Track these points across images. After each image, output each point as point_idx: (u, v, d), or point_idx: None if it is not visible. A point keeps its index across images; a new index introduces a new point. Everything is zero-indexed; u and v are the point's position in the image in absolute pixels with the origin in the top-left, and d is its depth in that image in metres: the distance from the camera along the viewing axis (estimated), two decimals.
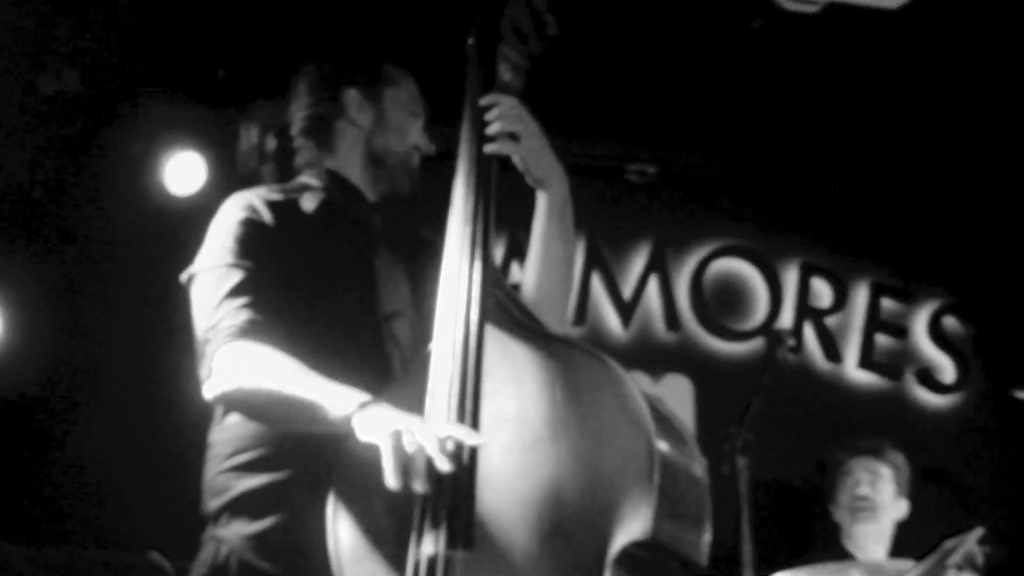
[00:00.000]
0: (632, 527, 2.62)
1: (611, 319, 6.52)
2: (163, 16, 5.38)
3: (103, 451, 5.46)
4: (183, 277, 3.21)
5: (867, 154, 6.53)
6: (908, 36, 5.54)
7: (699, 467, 2.82)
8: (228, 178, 3.50)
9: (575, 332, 6.24)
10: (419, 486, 2.68)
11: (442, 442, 2.69)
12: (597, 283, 6.50)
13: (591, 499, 2.67)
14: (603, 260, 6.52)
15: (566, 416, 2.74)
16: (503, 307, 2.92)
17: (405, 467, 2.69)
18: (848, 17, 5.26)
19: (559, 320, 3.13)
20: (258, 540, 3.07)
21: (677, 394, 6.45)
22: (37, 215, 5.64)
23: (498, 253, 5.91)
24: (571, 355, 2.82)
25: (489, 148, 3.04)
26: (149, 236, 5.57)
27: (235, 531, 3.09)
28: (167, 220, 5.54)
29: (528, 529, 2.70)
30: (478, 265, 2.93)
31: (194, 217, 3.39)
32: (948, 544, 4.39)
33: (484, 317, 2.86)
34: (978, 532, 4.39)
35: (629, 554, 2.64)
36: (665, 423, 2.76)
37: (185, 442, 3.45)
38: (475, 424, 2.79)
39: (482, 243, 2.96)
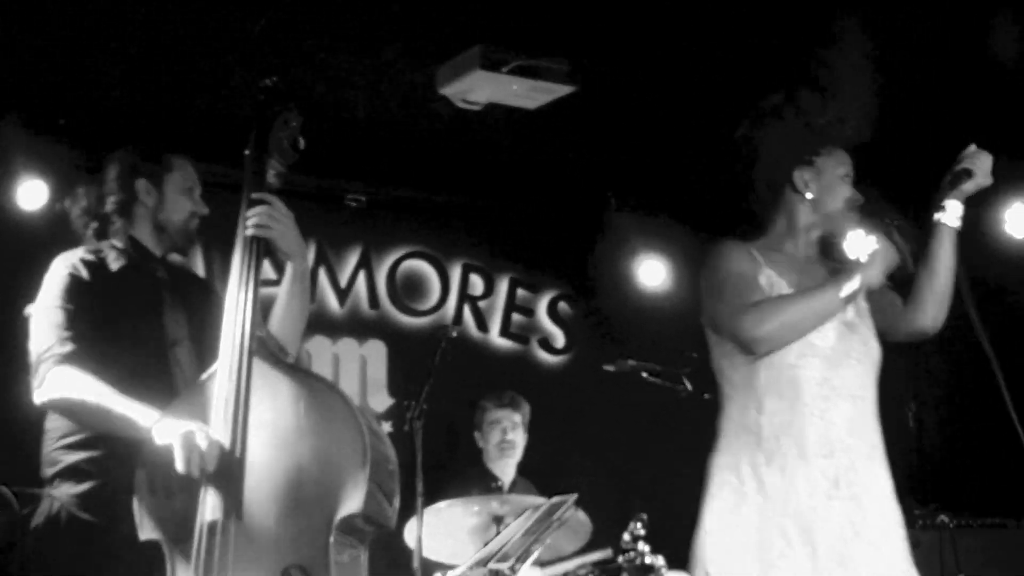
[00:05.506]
0: (350, 504, 2.73)
1: (331, 299, 6.44)
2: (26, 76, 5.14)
3: None
4: (25, 313, 3.18)
5: (510, 189, 6.68)
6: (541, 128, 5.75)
7: (391, 451, 2.88)
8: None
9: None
10: (197, 471, 2.75)
11: (214, 441, 2.78)
12: (323, 274, 6.41)
13: (322, 484, 2.75)
14: (327, 258, 6.44)
15: (306, 424, 2.81)
16: (264, 344, 2.96)
17: (190, 457, 2.76)
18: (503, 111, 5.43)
19: (294, 345, 3.13)
20: (81, 498, 3.08)
21: (376, 353, 6.51)
22: None
23: None
24: (311, 383, 2.89)
25: (250, 232, 3.02)
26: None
27: (64, 491, 3.09)
28: (15, 227, 5.20)
29: (279, 503, 2.76)
30: (248, 316, 2.93)
31: (36, 228, 3.35)
32: (555, 500, 4.22)
33: (252, 353, 2.89)
34: (574, 496, 4.21)
35: (346, 521, 2.75)
36: (373, 429, 2.84)
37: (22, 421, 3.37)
38: (244, 426, 2.82)
39: (253, 300, 2.94)
